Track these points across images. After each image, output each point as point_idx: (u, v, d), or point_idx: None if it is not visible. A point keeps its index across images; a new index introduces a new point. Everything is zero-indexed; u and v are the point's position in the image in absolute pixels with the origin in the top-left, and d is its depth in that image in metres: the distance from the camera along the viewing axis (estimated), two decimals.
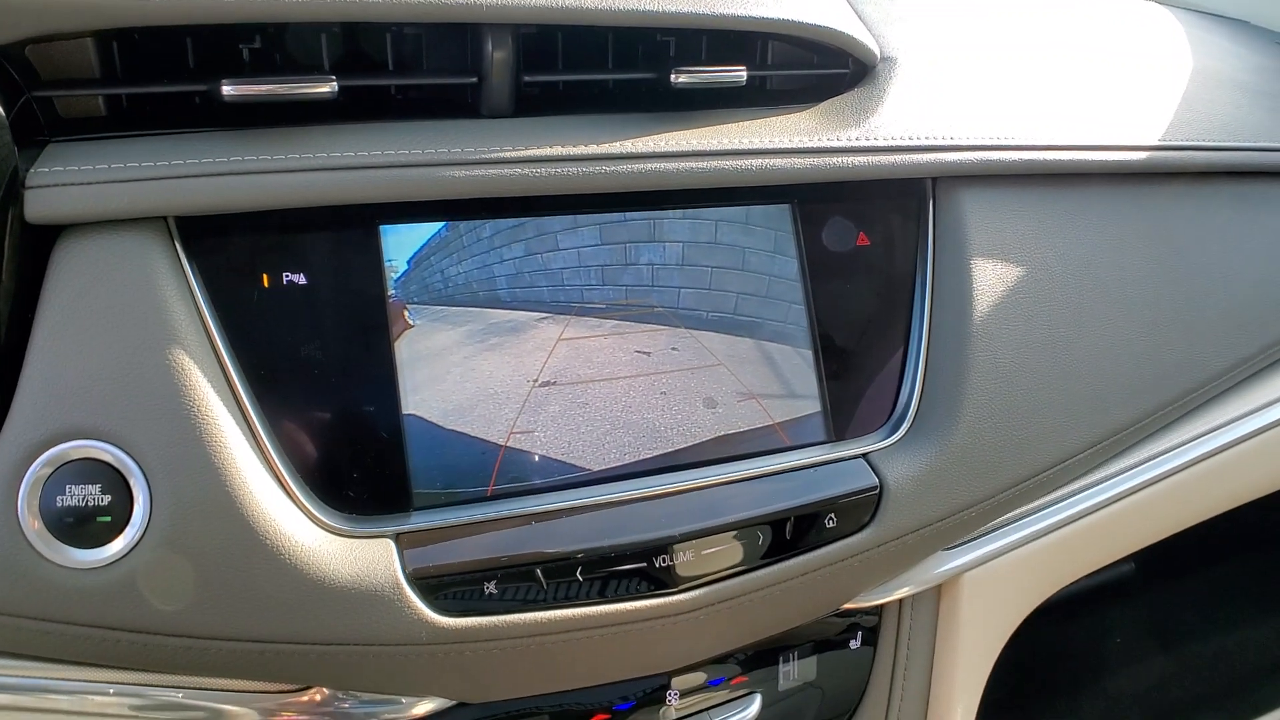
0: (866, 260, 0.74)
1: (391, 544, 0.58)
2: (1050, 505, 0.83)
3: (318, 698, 0.63)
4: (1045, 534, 0.83)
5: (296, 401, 0.59)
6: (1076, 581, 1.58)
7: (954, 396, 0.72)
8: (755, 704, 0.76)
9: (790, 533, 0.67)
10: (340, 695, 0.64)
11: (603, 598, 0.62)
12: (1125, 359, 0.80)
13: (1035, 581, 0.86)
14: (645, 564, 0.63)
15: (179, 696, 0.61)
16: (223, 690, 0.62)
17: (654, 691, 0.73)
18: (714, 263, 0.69)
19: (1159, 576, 1.50)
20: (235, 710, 0.62)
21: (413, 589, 0.58)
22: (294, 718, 0.63)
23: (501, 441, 0.62)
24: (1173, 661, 1.46)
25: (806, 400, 0.70)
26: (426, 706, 0.65)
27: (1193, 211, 0.87)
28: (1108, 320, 0.79)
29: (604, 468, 0.64)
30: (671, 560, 0.64)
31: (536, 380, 0.63)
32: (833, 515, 0.68)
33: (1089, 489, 0.84)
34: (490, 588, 0.59)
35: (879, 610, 0.81)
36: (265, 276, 0.59)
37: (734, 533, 0.65)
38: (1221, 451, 0.91)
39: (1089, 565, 0.92)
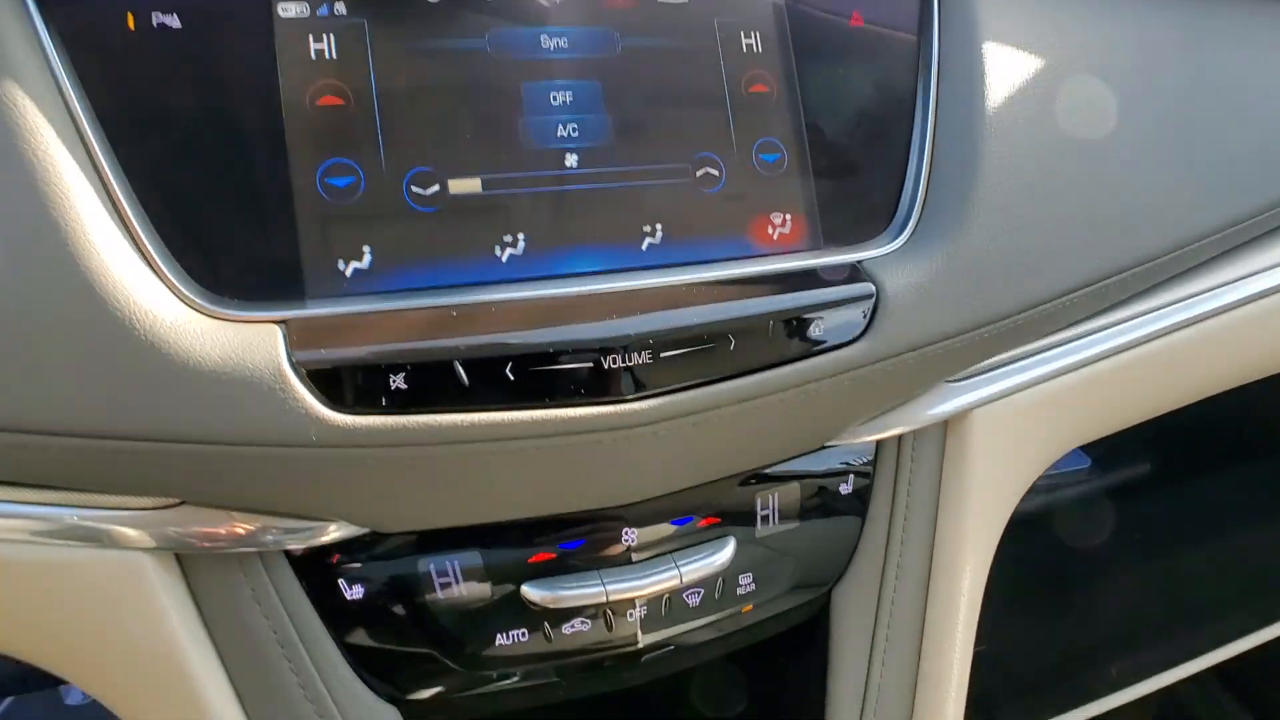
0: (862, 41, 0.63)
1: (277, 330, 0.48)
2: (1069, 341, 0.73)
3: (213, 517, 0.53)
4: (1063, 374, 0.73)
5: (164, 162, 0.49)
6: (1094, 479, 1.51)
7: (964, 196, 0.62)
8: (728, 548, 0.65)
9: (770, 338, 0.57)
10: (236, 515, 0.54)
11: (538, 400, 0.52)
12: (1157, 179, 0.70)
13: (1051, 428, 0.76)
14: (592, 364, 0.52)
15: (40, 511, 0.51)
16: (99, 508, 0.52)
17: (606, 525, 0.62)
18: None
19: (1179, 475, 1.44)
20: (122, 531, 0.52)
21: (298, 377, 0.48)
22: (181, 533, 0.53)
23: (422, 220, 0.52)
24: (1197, 560, 1.39)
25: (793, 200, 0.60)
26: (335, 533, 0.55)
27: (1233, 28, 0.76)
28: (1139, 132, 0.69)
29: (549, 262, 0.54)
30: (625, 360, 0.53)
31: None
32: (820, 321, 0.58)
33: (1113, 327, 0.75)
34: (397, 381, 0.49)
35: (875, 448, 0.70)
36: (130, 16, 0.49)
37: (702, 334, 0.55)
38: (1258, 299, 0.80)
39: (1110, 419, 0.82)
